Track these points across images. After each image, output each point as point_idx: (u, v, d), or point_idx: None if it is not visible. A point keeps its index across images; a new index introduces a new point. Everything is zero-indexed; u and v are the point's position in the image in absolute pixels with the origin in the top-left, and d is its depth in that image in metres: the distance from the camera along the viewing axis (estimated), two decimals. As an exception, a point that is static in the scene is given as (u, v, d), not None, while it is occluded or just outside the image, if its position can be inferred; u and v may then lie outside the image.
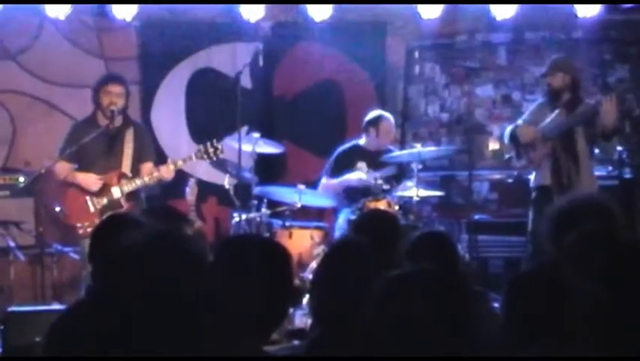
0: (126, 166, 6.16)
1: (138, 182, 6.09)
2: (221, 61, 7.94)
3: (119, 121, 6.22)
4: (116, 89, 6.14)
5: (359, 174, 6.81)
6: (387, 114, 7.14)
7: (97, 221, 5.97)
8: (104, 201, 6.12)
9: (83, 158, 6.17)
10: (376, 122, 7.03)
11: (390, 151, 7.09)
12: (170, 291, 2.22)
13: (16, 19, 7.48)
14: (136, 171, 6.16)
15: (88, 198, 6.14)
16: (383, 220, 4.23)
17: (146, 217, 3.76)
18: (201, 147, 6.23)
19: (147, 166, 6.22)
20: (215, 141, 6.26)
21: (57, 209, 6.24)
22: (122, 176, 6.14)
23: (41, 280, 6.88)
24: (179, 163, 6.18)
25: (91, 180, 6.11)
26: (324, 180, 7.04)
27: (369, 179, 6.73)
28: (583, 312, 2.21)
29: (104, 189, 6.13)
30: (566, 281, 2.30)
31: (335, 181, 6.95)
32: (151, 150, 6.36)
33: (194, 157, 6.22)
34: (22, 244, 7.10)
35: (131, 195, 6.15)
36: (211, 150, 6.23)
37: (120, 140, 6.19)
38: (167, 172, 6.09)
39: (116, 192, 6.11)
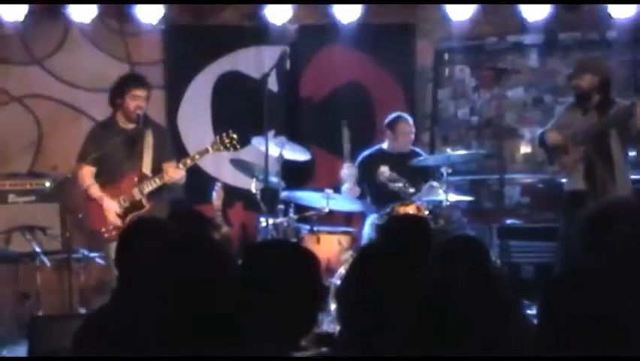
0: (147, 167, 6.20)
1: (158, 181, 6.12)
2: (248, 64, 7.96)
3: (138, 122, 6.25)
4: (143, 92, 6.17)
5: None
6: (404, 115, 7.14)
7: (120, 224, 6.04)
8: (127, 203, 6.16)
9: (104, 161, 6.20)
10: (393, 123, 7.05)
11: (419, 155, 7.06)
12: (197, 296, 2.23)
13: (41, 23, 7.54)
14: (157, 171, 6.19)
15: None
16: (413, 225, 4.21)
17: (172, 221, 3.78)
18: (217, 138, 6.23)
19: (170, 165, 6.25)
20: (230, 131, 6.25)
21: (79, 215, 6.28)
22: (142, 177, 6.17)
23: (68, 286, 6.92)
24: (197, 157, 6.18)
25: (113, 210, 6.13)
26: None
27: (386, 171, 6.73)
28: (626, 316, 2.17)
29: (126, 192, 6.17)
30: (609, 284, 2.27)
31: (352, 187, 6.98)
32: (171, 149, 6.38)
33: (210, 149, 6.22)
34: (49, 250, 7.15)
35: (153, 195, 6.18)
36: (227, 141, 6.22)
37: (140, 141, 6.22)
38: (174, 173, 6.09)
39: (136, 193, 6.15)
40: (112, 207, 6.13)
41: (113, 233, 6.01)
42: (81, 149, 6.25)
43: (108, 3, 7.51)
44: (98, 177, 6.23)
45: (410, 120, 7.11)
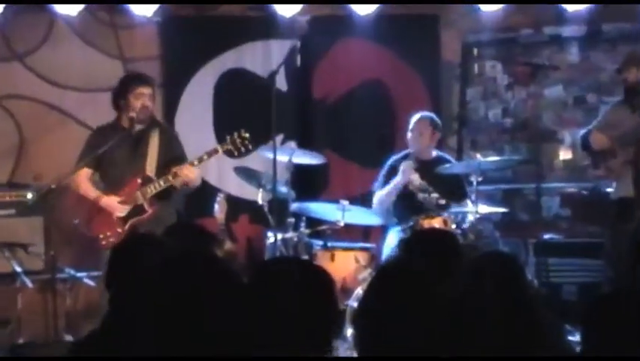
0: (150, 169, 6.25)
1: (163, 183, 6.17)
2: (254, 61, 7.97)
3: (145, 122, 6.33)
4: (147, 90, 6.28)
5: (406, 175, 6.80)
6: (420, 114, 7.12)
7: (120, 230, 6.09)
8: (127, 207, 6.21)
9: (105, 163, 6.27)
10: (411, 124, 7.06)
11: (447, 161, 7.05)
12: (197, 321, 2.23)
13: (23, 15, 7.57)
14: (163, 174, 6.25)
15: None
16: (439, 240, 4.20)
17: (169, 237, 3.79)
18: (228, 138, 6.29)
19: (182, 166, 6.30)
20: (243, 130, 6.30)
21: (75, 221, 6.32)
22: (145, 179, 6.23)
23: (53, 310, 6.93)
24: (204, 157, 6.23)
25: (113, 205, 6.20)
26: (375, 196, 7.05)
27: (416, 180, 6.72)
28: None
29: (127, 195, 6.22)
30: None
31: (384, 190, 6.95)
32: (181, 152, 6.42)
33: (220, 149, 6.28)
34: (31, 269, 7.17)
35: (156, 198, 6.22)
36: (238, 141, 6.28)
37: (144, 142, 6.29)
38: (189, 171, 6.13)
39: (138, 197, 6.20)
40: (112, 204, 6.19)
41: (111, 240, 6.06)
42: (80, 153, 6.33)
43: (99, 3, 7.54)
44: (99, 183, 6.34)
45: (426, 118, 7.08)
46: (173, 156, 6.30)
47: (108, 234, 6.17)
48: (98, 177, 6.40)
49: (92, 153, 6.25)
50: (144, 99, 6.26)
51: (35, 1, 7.43)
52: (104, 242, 6.18)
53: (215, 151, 6.29)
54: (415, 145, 7.04)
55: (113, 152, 6.24)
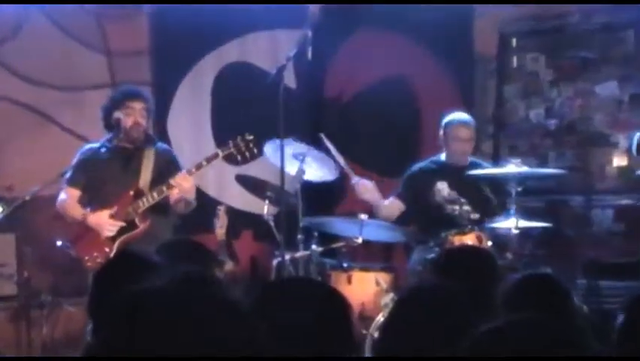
0: (144, 184, 6.32)
1: (156, 195, 6.22)
2: (259, 53, 8.00)
3: (139, 139, 6.38)
4: (139, 104, 6.34)
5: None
6: (457, 114, 7.12)
7: (107, 250, 6.13)
8: (118, 224, 6.25)
9: (94, 183, 6.33)
10: (445, 127, 7.05)
11: (479, 167, 7.05)
12: (194, 353, 2.24)
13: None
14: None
15: None
16: (473, 260, 4.20)
17: (163, 256, 3.80)
18: (230, 141, 6.32)
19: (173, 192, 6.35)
20: (247, 133, 6.33)
21: (59, 243, 6.35)
22: (138, 193, 6.28)
23: (27, 340, 6.95)
24: (203, 164, 6.27)
25: (102, 222, 6.25)
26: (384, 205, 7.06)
27: (444, 189, 6.73)
28: None
29: (118, 212, 6.27)
30: None
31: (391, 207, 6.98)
32: (178, 169, 6.45)
33: (220, 154, 6.31)
34: (2, 294, 7.20)
35: (150, 213, 6.26)
36: (242, 145, 6.31)
37: (138, 159, 6.38)
38: (182, 180, 6.16)
39: (129, 212, 6.25)
40: (101, 221, 6.26)
41: (98, 261, 6.09)
42: (69, 171, 6.39)
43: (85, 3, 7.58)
44: (88, 204, 6.40)
45: (470, 123, 7.09)
46: (169, 172, 6.33)
47: (95, 254, 6.19)
48: (87, 200, 6.43)
49: (79, 173, 6.35)
50: (136, 115, 6.33)
51: (25, 2, 7.48)
52: (89, 264, 6.19)
53: (216, 156, 6.31)
54: (454, 153, 7.01)
55: (103, 171, 6.35)
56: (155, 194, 6.25)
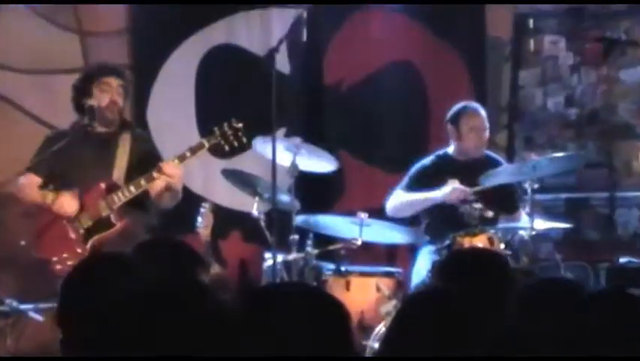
0: (118, 176, 6.25)
1: (133, 189, 6.16)
2: (249, 35, 7.99)
3: (114, 123, 6.31)
4: (115, 81, 6.30)
5: (450, 189, 6.77)
6: (472, 104, 7.12)
7: (80, 251, 6.08)
8: (89, 221, 6.19)
9: (61, 168, 6.25)
10: (455, 118, 7.03)
11: (496, 162, 7.04)
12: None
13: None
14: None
15: (66, 220, 6.22)
16: (484, 264, 4.20)
17: (141, 257, 3.79)
18: (216, 129, 6.26)
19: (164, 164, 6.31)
20: (234, 120, 6.27)
21: (22, 243, 6.33)
22: (111, 186, 6.21)
23: (-10, 352, 6.95)
24: (187, 155, 6.21)
25: (65, 201, 6.20)
26: (396, 194, 7.02)
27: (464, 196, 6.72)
28: None
29: (89, 206, 6.21)
30: None
31: (411, 196, 6.92)
32: (157, 159, 6.42)
33: (206, 144, 6.25)
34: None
35: (127, 209, 6.21)
36: (230, 133, 6.25)
37: (112, 146, 6.29)
38: (171, 169, 6.12)
39: (102, 207, 6.18)
40: (64, 201, 6.17)
41: (69, 264, 6.04)
42: (33, 156, 6.32)
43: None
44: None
45: (482, 111, 7.09)
46: (147, 163, 6.29)
47: (64, 256, 6.14)
48: (52, 189, 6.37)
49: (42, 159, 6.24)
50: (112, 93, 6.26)
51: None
52: (58, 266, 6.15)
53: (201, 146, 6.26)
54: (471, 146, 6.98)
55: (71, 159, 6.23)
56: (132, 187, 6.17)
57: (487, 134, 7.09)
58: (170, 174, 6.10)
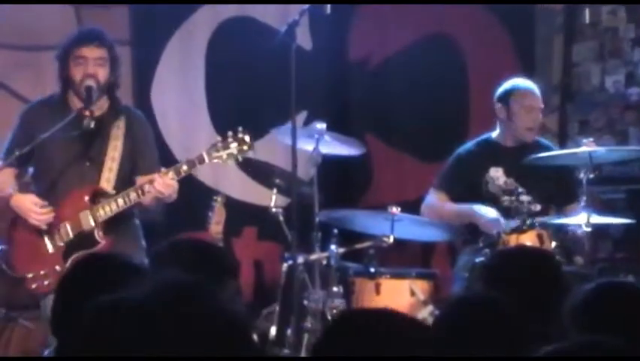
0: (107, 179, 6.16)
1: (121, 202, 6.08)
2: (264, 6, 7.99)
3: (101, 107, 6.23)
4: (93, 52, 6.18)
5: (493, 212, 6.75)
6: (525, 81, 7.09)
7: (58, 268, 6.03)
8: (69, 235, 6.14)
9: (43, 165, 6.22)
10: (506, 96, 7.01)
11: (548, 148, 7.02)
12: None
13: None
14: (127, 187, 6.17)
15: (44, 231, 6.16)
16: (532, 265, 4.19)
17: (157, 262, 3.80)
18: (218, 140, 6.18)
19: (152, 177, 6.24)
20: (241, 129, 6.18)
21: (1, 247, 6.33)
22: (97, 194, 6.14)
23: (-24, 363, 7.00)
24: (184, 169, 6.12)
25: (26, 206, 6.13)
26: (430, 197, 7.02)
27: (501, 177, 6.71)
28: None
29: (69, 216, 6.15)
30: None
31: (448, 210, 6.93)
32: (154, 156, 6.38)
33: (205, 158, 6.15)
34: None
35: (113, 225, 6.16)
36: (233, 146, 6.16)
37: (103, 138, 6.21)
38: (163, 185, 6.04)
39: (86, 219, 6.12)
40: (24, 203, 6.06)
41: (46, 283, 6.01)
42: (7, 142, 6.27)
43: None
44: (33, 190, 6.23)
45: (536, 90, 7.06)
46: (144, 163, 6.24)
47: (41, 273, 6.06)
48: (31, 182, 6.32)
49: (20, 145, 6.10)
50: (87, 66, 6.08)
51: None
52: (33, 285, 6.07)
53: (201, 160, 6.11)
54: (524, 127, 6.95)
55: (54, 148, 6.13)
56: (120, 200, 6.05)
57: (541, 116, 7.08)
58: (161, 192, 6.01)
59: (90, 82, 6.11)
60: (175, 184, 6.02)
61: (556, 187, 6.91)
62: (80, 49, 6.13)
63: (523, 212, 6.64)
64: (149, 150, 6.36)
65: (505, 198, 6.75)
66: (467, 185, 6.95)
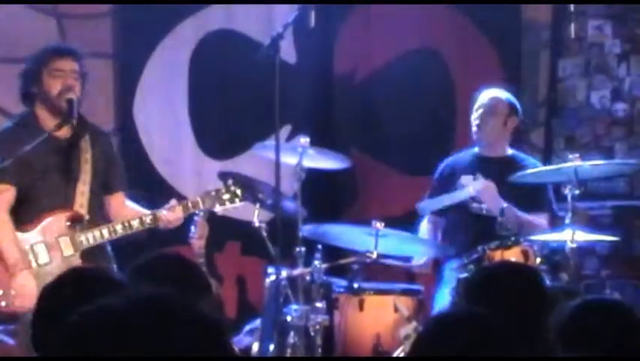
0: (80, 203, 6.12)
1: (106, 234, 6.05)
2: (249, 19, 7.99)
3: (68, 116, 6.13)
4: (70, 65, 6.14)
5: (466, 192, 6.80)
6: (488, 90, 7.11)
7: (32, 290, 5.96)
8: (46, 257, 6.07)
9: (25, 189, 6.14)
10: (476, 104, 7.06)
11: (522, 164, 7.03)
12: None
13: None
14: (97, 209, 6.14)
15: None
16: (517, 281, 4.19)
17: (135, 277, 3.79)
18: (212, 191, 6.27)
19: (118, 199, 6.22)
20: (231, 182, 6.26)
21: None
22: (75, 218, 6.08)
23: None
24: (190, 206, 6.22)
25: (27, 290, 5.92)
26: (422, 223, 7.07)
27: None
28: None
29: (47, 236, 6.09)
30: None
31: (439, 204, 6.97)
32: (120, 173, 6.37)
33: (201, 203, 6.25)
34: None
35: (91, 252, 6.10)
36: (226, 197, 6.26)
37: (75, 156, 6.16)
38: (174, 217, 6.13)
39: (66, 246, 6.05)
40: (28, 287, 5.92)
41: (17, 303, 5.94)
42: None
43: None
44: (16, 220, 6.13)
45: (496, 93, 7.08)
46: (113, 181, 6.24)
47: (13, 294, 6.02)
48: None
49: (12, 164, 6.01)
50: (66, 78, 6.04)
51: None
52: (2, 302, 6.04)
53: (195, 205, 6.25)
54: (480, 133, 7.02)
55: (36, 170, 6.06)
56: (105, 231, 6.04)
57: (495, 122, 7.07)
58: (168, 220, 6.13)
59: (71, 95, 6.08)
60: (180, 213, 6.17)
61: (522, 193, 6.91)
62: (56, 62, 6.10)
63: (506, 228, 6.66)
64: (117, 166, 6.35)
65: (474, 206, 6.81)
66: (444, 192, 6.99)
